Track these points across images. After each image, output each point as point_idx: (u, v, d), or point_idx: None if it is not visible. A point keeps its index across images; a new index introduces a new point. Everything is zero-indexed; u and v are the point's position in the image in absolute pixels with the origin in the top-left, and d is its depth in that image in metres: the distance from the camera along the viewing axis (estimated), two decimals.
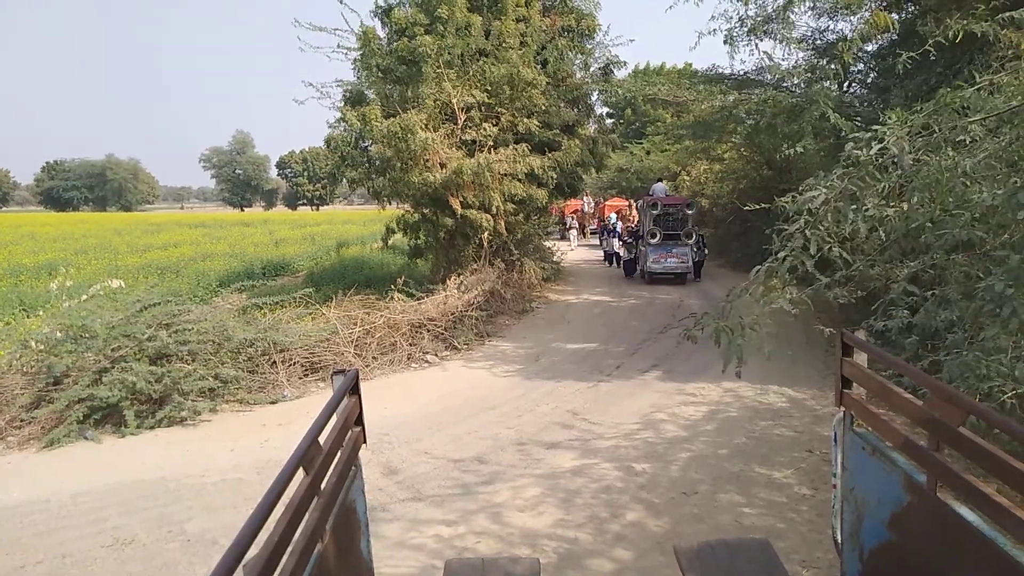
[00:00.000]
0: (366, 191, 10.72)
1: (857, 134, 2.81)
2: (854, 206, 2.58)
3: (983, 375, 2.72)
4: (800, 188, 3.09)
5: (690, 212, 13.37)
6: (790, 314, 3.06)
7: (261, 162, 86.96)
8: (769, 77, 8.50)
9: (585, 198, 24.89)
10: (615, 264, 16.07)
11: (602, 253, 17.97)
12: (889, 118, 2.89)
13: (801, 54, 9.66)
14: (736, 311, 2.92)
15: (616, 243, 16.11)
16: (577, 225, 23.41)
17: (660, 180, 16.13)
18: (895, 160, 2.60)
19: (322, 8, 10.42)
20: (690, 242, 13.05)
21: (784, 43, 6.24)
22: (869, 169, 2.62)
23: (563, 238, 21.87)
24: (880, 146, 2.61)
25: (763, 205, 3.69)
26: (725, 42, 6.52)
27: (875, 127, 2.76)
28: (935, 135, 2.68)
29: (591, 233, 24.53)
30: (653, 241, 13.09)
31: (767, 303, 2.88)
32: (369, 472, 4.01)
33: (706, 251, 14.12)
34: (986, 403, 2.54)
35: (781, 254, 2.78)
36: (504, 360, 7.61)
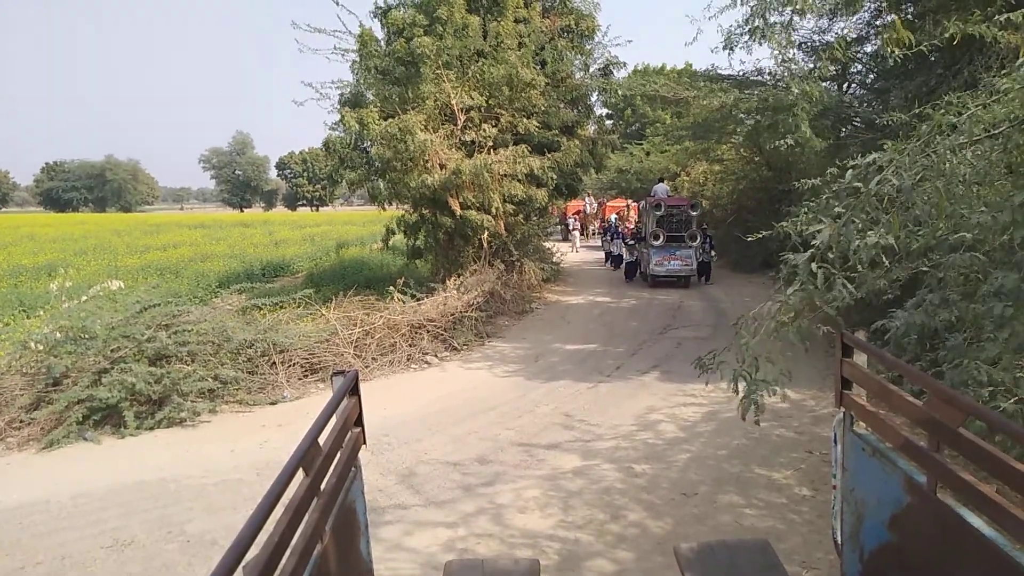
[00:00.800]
0: (366, 192, 10.73)
1: (856, 162, 2.83)
2: (858, 240, 2.60)
3: (983, 382, 2.72)
4: (802, 207, 3.11)
5: (694, 213, 12.93)
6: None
7: (261, 163, 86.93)
8: (768, 78, 8.53)
9: (587, 199, 24.86)
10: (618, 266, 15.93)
11: (603, 254, 17.90)
12: (884, 146, 2.93)
13: (800, 55, 9.66)
14: (751, 349, 2.90)
15: (621, 245, 15.95)
16: (579, 226, 23.37)
17: (661, 180, 16.06)
18: (896, 190, 2.64)
19: (322, 9, 10.43)
20: (694, 244, 12.69)
21: (778, 49, 6.24)
22: (872, 201, 2.65)
23: (565, 239, 21.84)
24: (880, 177, 2.65)
25: (763, 233, 3.72)
26: (724, 48, 6.55)
27: (873, 154, 2.79)
28: (932, 159, 2.71)
29: (593, 234, 24.52)
30: (656, 243, 12.66)
31: (780, 337, 2.87)
32: (369, 473, 4.01)
33: (714, 253, 13.73)
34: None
35: (790, 290, 2.78)
36: (504, 361, 7.61)
